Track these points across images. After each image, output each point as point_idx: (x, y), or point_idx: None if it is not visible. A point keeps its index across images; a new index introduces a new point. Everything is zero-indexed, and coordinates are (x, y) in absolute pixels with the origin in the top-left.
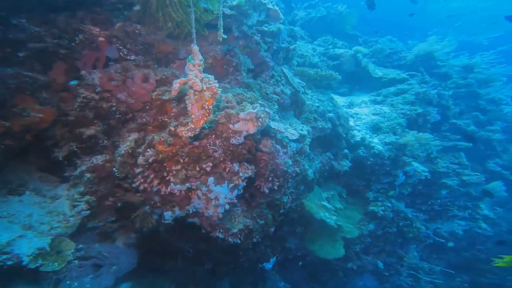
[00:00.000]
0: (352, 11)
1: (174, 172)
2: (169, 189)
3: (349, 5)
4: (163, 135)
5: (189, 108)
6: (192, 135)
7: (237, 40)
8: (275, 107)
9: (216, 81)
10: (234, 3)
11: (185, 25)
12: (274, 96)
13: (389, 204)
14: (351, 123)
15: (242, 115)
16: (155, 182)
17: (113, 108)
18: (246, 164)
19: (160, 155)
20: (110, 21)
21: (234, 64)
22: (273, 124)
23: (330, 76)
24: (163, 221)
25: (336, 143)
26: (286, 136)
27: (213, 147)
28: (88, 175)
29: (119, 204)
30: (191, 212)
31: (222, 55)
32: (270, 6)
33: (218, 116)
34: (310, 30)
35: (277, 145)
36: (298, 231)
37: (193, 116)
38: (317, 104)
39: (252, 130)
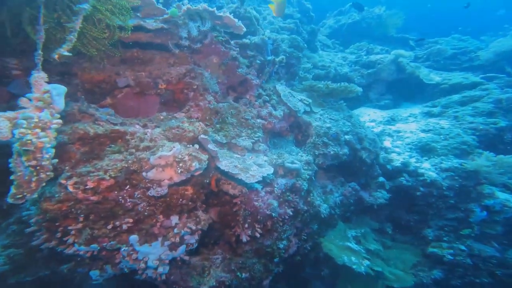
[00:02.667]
0: (396, 12)
1: (73, 232)
2: (72, 251)
3: (388, 6)
4: (52, 189)
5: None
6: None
7: (208, 58)
8: (257, 134)
9: (56, 118)
10: (166, 16)
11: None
12: (258, 121)
13: (463, 247)
14: (387, 143)
15: (152, 160)
16: (54, 243)
17: None
18: (198, 212)
19: (48, 215)
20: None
21: (195, 87)
22: (244, 159)
23: (344, 89)
24: (91, 281)
25: (363, 170)
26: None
27: (132, 200)
28: (15, 227)
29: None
30: (126, 270)
31: (178, 78)
32: (220, 13)
33: (129, 162)
34: (342, 37)
35: (254, 185)
36: (325, 274)
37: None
38: (328, 125)
39: (177, 178)
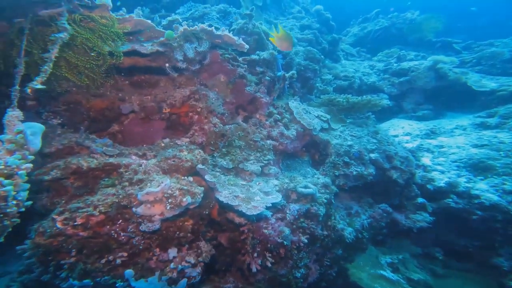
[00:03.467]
0: (435, 16)
1: (66, 266)
2: (67, 285)
3: (422, 11)
4: (45, 224)
5: None
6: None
7: (215, 77)
8: (267, 157)
9: (26, 160)
10: (162, 38)
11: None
12: (268, 142)
13: None
14: (426, 160)
15: (140, 196)
16: (49, 276)
17: None
18: (201, 243)
19: (40, 249)
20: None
21: (199, 109)
22: (251, 186)
23: (367, 102)
24: None
25: (395, 191)
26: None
27: (126, 234)
28: None
29: None
30: None
31: (182, 101)
32: (219, 32)
33: (120, 197)
34: (368, 45)
35: (263, 212)
36: None
37: None
38: (349, 143)
39: (168, 213)
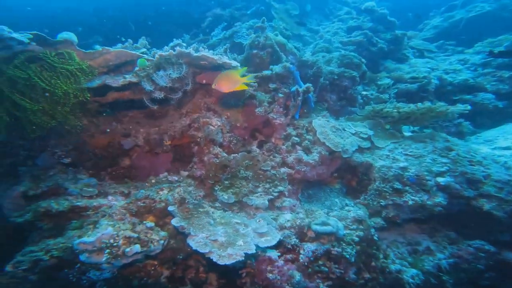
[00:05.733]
0: None
1: None
2: None
3: None
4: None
5: None
6: None
7: (221, 101)
8: (278, 189)
9: None
10: (136, 68)
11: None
12: (282, 170)
13: None
14: None
15: (75, 245)
16: None
17: None
18: None
19: None
20: None
21: (199, 139)
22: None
23: (428, 110)
24: None
25: (502, 223)
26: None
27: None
28: None
29: None
30: None
31: (181, 132)
32: (197, 54)
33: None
34: (457, 36)
35: (267, 251)
36: None
37: None
38: (401, 165)
39: (109, 264)
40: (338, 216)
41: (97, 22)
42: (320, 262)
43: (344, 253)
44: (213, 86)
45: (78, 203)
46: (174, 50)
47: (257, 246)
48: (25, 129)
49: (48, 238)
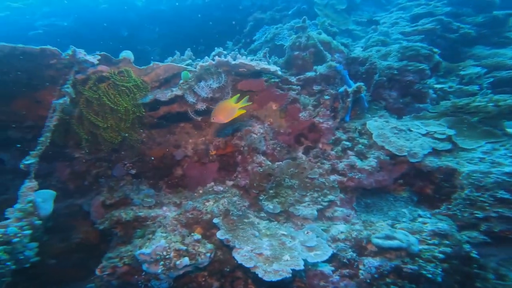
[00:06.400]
0: None
1: None
2: None
3: None
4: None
5: None
6: None
7: (265, 106)
8: (328, 198)
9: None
10: (181, 81)
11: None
12: (332, 178)
13: None
14: None
15: (137, 255)
16: None
17: None
18: None
19: None
20: None
21: (242, 148)
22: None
23: None
24: None
25: None
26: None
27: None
28: None
29: None
30: None
31: (225, 142)
32: (236, 62)
33: None
34: None
35: (319, 265)
36: None
37: None
38: (505, 170)
39: (165, 274)
40: (409, 229)
41: (158, 37)
42: (389, 280)
43: (424, 272)
44: (211, 120)
45: (140, 213)
46: (214, 60)
47: (306, 261)
48: (101, 144)
49: (121, 245)
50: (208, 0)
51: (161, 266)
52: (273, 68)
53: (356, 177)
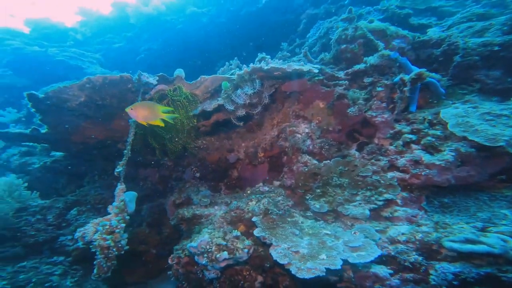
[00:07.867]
0: None
1: None
2: None
3: None
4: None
5: None
6: None
7: (311, 105)
8: (384, 196)
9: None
10: (222, 91)
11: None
12: (389, 175)
13: None
14: None
15: (188, 248)
16: None
17: None
18: None
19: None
20: None
21: (286, 149)
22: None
23: None
24: None
25: None
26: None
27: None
28: None
29: None
30: None
31: (270, 144)
32: (267, 67)
33: None
34: None
35: (372, 266)
36: None
37: None
38: None
39: (210, 266)
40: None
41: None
42: None
43: None
44: (126, 109)
45: (197, 212)
46: (249, 68)
47: (346, 261)
48: (168, 153)
49: (185, 239)
50: (261, 5)
51: (205, 258)
52: (306, 67)
53: (423, 173)
